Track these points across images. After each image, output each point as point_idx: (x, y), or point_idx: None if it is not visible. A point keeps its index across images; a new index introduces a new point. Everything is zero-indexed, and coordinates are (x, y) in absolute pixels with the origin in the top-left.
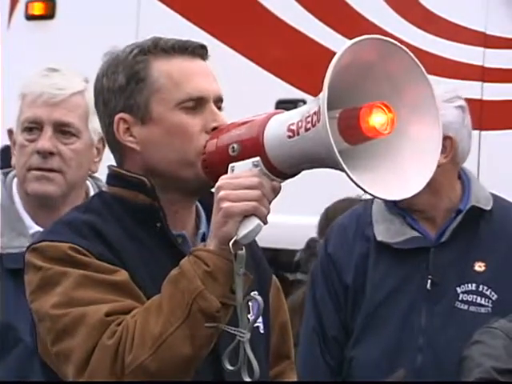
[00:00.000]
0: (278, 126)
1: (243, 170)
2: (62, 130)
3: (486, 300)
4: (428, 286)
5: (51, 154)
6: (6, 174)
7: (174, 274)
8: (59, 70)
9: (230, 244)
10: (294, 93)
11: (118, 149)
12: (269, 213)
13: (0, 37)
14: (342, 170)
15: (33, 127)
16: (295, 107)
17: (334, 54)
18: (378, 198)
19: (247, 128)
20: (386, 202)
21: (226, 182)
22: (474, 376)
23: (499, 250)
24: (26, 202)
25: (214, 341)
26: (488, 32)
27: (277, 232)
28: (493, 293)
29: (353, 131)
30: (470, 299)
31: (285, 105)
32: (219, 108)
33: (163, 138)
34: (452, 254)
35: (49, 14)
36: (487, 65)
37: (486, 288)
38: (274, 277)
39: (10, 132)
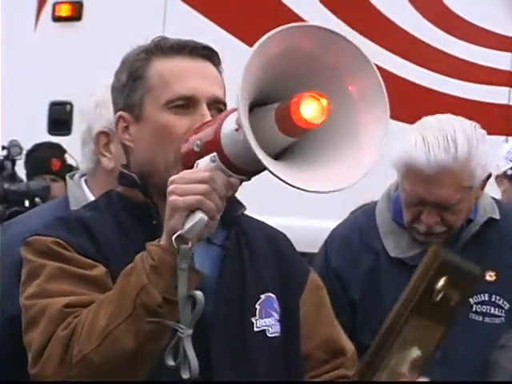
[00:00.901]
0: (231, 121)
1: (201, 166)
2: None
3: (500, 310)
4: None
5: None
6: (71, 177)
7: (128, 267)
8: None
9: (173, 238)
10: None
11: (122, 146)
12: (220, 208)
13: (27, 38)
14: (263, 165)
15: None
16: None
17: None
18: (307, 191)
19: (210, 124)
20: (392, 213)
21: (179, 177)
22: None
23: (508, 258)
24: None
25: (161, 336)
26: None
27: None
28: (505, 302)
29: (288, 123)
30: (484, 310)
31: None
32: (219, 110)
33: (150, 138)
34: None
35: (76, 16)
36: None
37: (498, 298)
38: (312, 278)
39: (103, 133)
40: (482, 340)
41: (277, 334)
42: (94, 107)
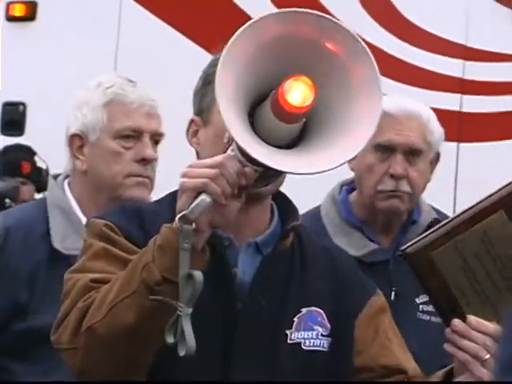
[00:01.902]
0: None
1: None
2: (157, 140)
3: None
4: (392, 297)
5: (151, 162)
6: (55, 178)
7: (146, 246)
8: (134, 81)
9: (177, 218)
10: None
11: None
12: (227, 193)
13: None
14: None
15: (130, 135)
16: None
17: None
18: (297, 173)
19: None
20: (342, 214)
21: (195, 162)
22: None
23: None
24: (100, 206)
25: (161, 314)
26: (468, 44)
27: None
28: None
29: (280, 110)
30: (430, 309)
31: None
32: None
33: (212, 142)
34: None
35: (30, 16)
36: (467, 77)
37: None
38: (373, 301)
39: (76, 136)
40: (430, 338)
41: (318, 348)
42: (71, 109)
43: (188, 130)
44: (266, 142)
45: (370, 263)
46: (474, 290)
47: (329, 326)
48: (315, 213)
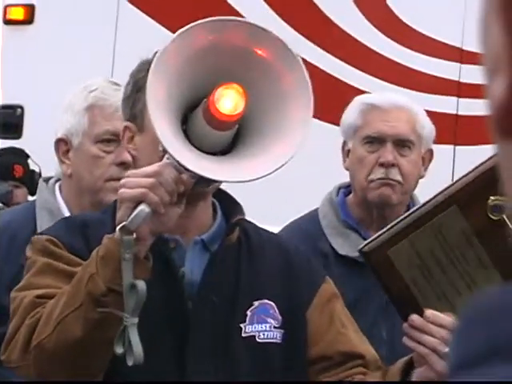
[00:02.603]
0: None
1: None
2: None
3: None
4: (386, 300)
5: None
6: (46, 181)
7: (89, 258)
8: (120, 84)
9: (117, 229)
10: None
11: (131, 157)
12: (166, 202)
13: None
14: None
15: (110, 139)
16: None
17: (310, 64)
18: (232, 181)
19: None
20: (340, 215)
21: (132, 172)
22: None
23: None
24: (83, 209)
25: (109, 325)
26: (465, 48)
27: None
28: None
29: (211, 118)
30: None
31: None
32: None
33: (151, 147)
34: None
35: (28, 19)
36: (463, 80)
37: None
38: (323, 288)
39: (62, 141)
40: None
41: (272, 340)
42: (60, 114)
43: (123, 137)
44: (198, 148)
45: (366, 264)
46: (430, 285)
47: (280, 318)
48: (313, 215)
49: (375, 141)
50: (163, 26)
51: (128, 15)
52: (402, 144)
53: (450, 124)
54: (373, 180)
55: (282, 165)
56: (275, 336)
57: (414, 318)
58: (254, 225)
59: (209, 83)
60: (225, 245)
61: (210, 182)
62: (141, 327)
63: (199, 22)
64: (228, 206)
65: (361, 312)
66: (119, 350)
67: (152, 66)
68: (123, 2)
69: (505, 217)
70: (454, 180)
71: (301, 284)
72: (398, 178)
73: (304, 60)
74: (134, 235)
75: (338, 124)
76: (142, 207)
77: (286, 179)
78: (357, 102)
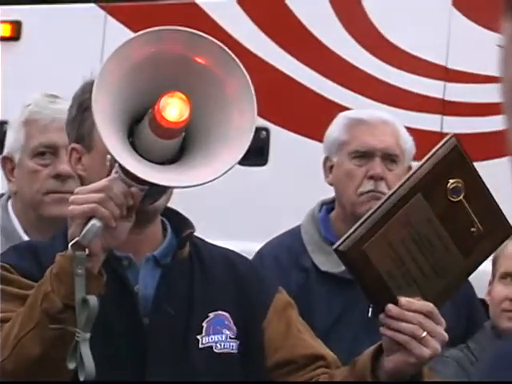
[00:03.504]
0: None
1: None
2: None
3: None
4: (370, 314)
5: (69, 177)
6: None
7: (43, 278)
8: (59, 96)
9: (69, 245)
10: (256, 120)
11: (78, 177)
12: (116, 216)
13: None
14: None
15: (46, 152)
16: (257, 135)
17: (296, 82)
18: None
19: None
20: (321, 232)
21: (80, 188)
22: None
23: None
24: (32, 226)
25: (66, 342)
26: (449, 66)
27: None
28: None
29: (157, 127)
30: None
31: None
32: None
33: (100, 166)
34: None
35: (14, 36)
36: (447, 98)
37: None
38: (278, 298)
39: (7, 159)
40: None
41: (228, 350)
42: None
43: (70, 159)
44: (147, 159)
45: (348, 280)
46: (403, 274)
47: (235, 329)
48: (295, 231)
49: (364, 155)
50: None
51: (115, 31)
52: (389, 158)
53: (434, 142)
54: (363, 193)
55: (227, 171)
56: (231, 346)
57: (391, 307)
58: (204, 240)
59: (152, 94)
60: (177, 259)
61: (157, 194)
62: (100, 345)
63: (136, 34)
64: (177, 222)
65: (343, 328)
66: (71, 365)
67: (95, 82)
68: (110, 18)
69: (462, 198)
70: (414, 169)
71: (253, 295)
72: (386, 190)
73: (287, 76)
74: (87, 251)
75: (321, 140)
76: (94, 222)
77: (274, 196)
78: (341, 118)
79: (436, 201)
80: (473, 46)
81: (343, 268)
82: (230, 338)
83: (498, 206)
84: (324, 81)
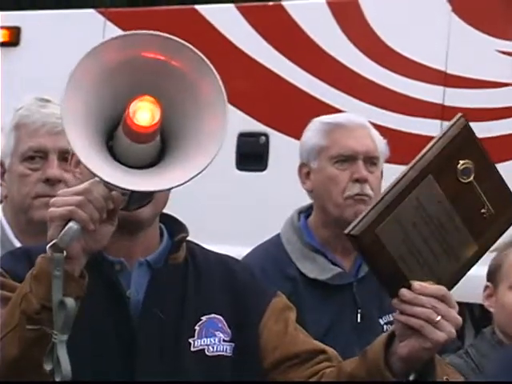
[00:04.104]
0: None
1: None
2: (66, 157)
3: None
4: (358, 319)
5: (59, 181)
6: None
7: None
8: (50, 100)
9: (47, 246)
10: (256, 125)
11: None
12: (95, 219)
13: None
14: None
15: (35, 156)
16: (257, 140)
17: (296, 87)
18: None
19: None
20: (304, 239)
21: (63, 190)
22: None
23: None
24: (22, 230)
25: (44, 343)
26: (448, 71)
27: None
28: None
29: (129, 131)
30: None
31: (246, 138)
32: None
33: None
34: (371, 286)
35: (13, 41)
36: (447, 103)
37: None
38: (275, 302)
39: None
40: None
41: (222, 353)
42: None
43: (71, 160)
44: (125, 163)
45: (335, 286)
46: (415, 257)
47: (229, 331)
48: (276, 240)
49: (347, 159)
50: None
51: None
52: (370, 161)
53: None
54: (349, 196)
55: (195, 175)
56: (224, 349)
57: (404, 292)
58: (200, 245)
59: (127, 98)
60: (170, 263)
61: (142, 199)
62: (90, 349)
63: (109, 38)
64: (172, 226)
65: (335, 334)
66: (48, 366)
67: (66, 85)
68: (109, 23)
69: (473, 179)
70: (424, 151)
71: (249, 299)
72: (371, 192)
73: (287, 82)
74: (65, 253)
75: None
76: (71, 224)
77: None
78: (316, 124)
79: (446, 182)
80: (472, 52)
81: (330, 274)
82: (224, 340)
83: (508, 187)
84: (324, 86)
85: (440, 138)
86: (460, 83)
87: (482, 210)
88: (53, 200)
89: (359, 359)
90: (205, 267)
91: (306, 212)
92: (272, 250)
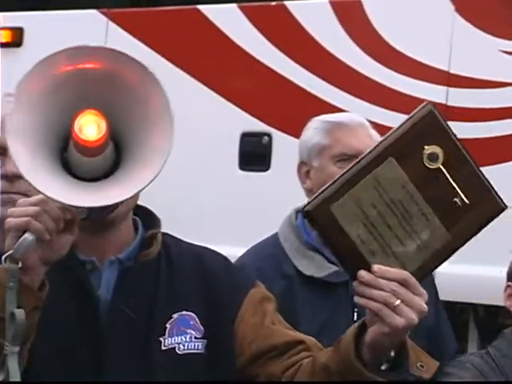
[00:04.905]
0: None
1: None
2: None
3: None
4: (355, 317)
5: (17, 177)
6: None
7: None
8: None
9: (3, 258)
10: (259, 125)
11: None
12: (51, 229)
13: None
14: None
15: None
16: (260, 141)
17: (298, 87)
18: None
19: None
20: (303, 237)
21: (21, 200)
22: None
23: None
24: None
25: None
26: (452, 71)
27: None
28: None
29: (76, 144)
30: None
31: (249, 138)
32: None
33: None
34: None
35: (16, 42)
36: (450, 103)
37: None
38: (253, 292)
39: None
40: None
41: (193, 351)
42: None
43: None
44: (80, 175)
45: (332, 284)
46: (376, 240)
47: (202, 328)
48: (274, 239)
49: (349, 158)
50: (152, 49)
51: (116, 38)
52: None
53: None
54: None
55: (137, 192)
56: (196, 347)
57: (363, 273)
58: (176, 238)
59: (74, 112)
60: (140, 260)
61: (103, 209)
62: (58, 349)
63: (58, 51)
64: (147, 220)
65: (330, 332)
66: (0, 376)
67: (13, 98)
68: (111, 24)
69: (441, 165)
70: (387, 134)
71: (223, 293)
72: None
73: (290, 82)
74: (20, 264)
75: None
76: (26, 235)
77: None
78: (317, 123)
79: (410, 166)
80: (475, 52)
81: (327, 272)
82: (196, 337)
83: (486, 178)
84: (327, 86)
85: (403, 123)
86: (463, 83)
87: (455, 199)
88: (10, 210)
89: (332, 349)
90: (178, 262)
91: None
92: (268, 249)
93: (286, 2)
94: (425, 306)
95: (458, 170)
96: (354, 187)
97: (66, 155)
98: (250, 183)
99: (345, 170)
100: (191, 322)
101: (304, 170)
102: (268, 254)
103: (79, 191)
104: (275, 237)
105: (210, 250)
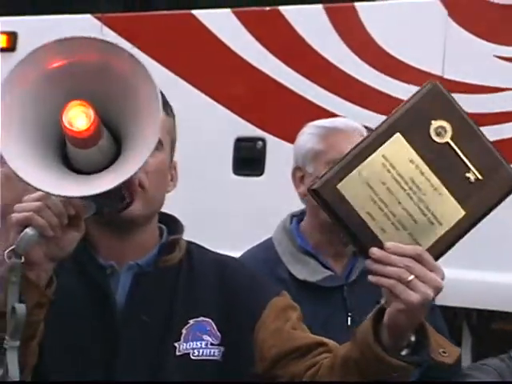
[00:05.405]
0: None
1: None
2: None
3: None
4: (349, 322)
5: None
6: None
7: None
8: None
9: (5, 252)
10: (253, 130)
11: None
12: (54, 225)
13: None
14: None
15: None
16: (254, 145)
17: (293, 92)
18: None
19: None
20: (297, 242)
21: (27, 197)
22: None
23: None
24: None
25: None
26: (445, 76)
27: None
28: None
29: (67, 136)
30: None
31: (243, 142)
32: None
33: None
34: (361, 290)
35: (10, 47)
36: None
37: None
38: (275, 301)
39: None
40: None
41: (208, 357)
42: None
43: None
44: (79, 168)
45: (326, 289)
46: (386, 216)
47: (219, 335)
48: (268, 244)
49: None
50: (146, 53)
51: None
52: None
53: None
54: None
55: (123, 181)
56: (212, 353)
57: (374, 250)
58: (201, 247)
59: (64, 103)
60: (159, 266)
61: (113, 202)
62: (72, 352)
63: (46, 43)
64: (171, 228)
65: (324, 336)
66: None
67: (1, 87)
68: (105, 28)
69: (449, 140)
70: (393, 112)
71: (245, 298)
72: None
73: (284, 87)
74: (23, 259)
75: None
76: (27, 230)
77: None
78: (312, 128)
79: (418, 142)
80: (469, 57)
81: (320, 277)
82: (212, 344)
83: (498, 152)
84: (321, 91)
85: (409, 99)
86: (457, 88)
87: (467, 175)
88: (15, 206)
89: (351, 339)
90: (200, 268)
91: (298, 217)
92: (262, 253)
93: (280, 8)
94: (441, 281)
95: (468, 144)
96: (361, 164)
97: (67, 149)
98: (244, 188)
99: (351, 148)
100: (208, 328)
101: (298, 175)
102: (262, 258)
103: (72, 183)
104: (269, 241)
105: (232, 258)
